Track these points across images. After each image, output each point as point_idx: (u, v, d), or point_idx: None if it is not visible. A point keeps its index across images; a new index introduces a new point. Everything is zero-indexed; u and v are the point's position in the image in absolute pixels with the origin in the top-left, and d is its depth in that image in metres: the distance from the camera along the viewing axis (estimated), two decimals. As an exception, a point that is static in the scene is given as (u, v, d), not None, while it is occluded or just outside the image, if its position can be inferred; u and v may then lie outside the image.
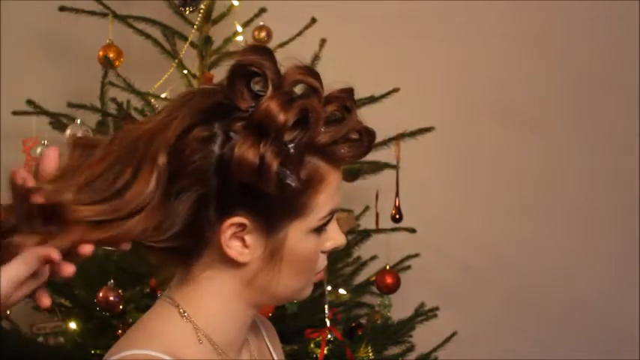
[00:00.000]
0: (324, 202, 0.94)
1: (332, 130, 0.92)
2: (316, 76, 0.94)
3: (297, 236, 0.94)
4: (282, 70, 0.93)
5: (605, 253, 2.73)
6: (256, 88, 0.91)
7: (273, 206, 0.92)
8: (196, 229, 0.92)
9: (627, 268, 2.72)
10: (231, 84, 0.91)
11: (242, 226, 0.92)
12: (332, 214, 0.96)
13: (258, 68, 0.90)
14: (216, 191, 0.90)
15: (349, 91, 0.95)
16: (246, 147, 0.88)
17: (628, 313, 2.71)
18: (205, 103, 0.91)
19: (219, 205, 0.91)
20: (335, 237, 0.99)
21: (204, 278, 0.96)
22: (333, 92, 0.95)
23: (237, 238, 0.93)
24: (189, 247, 0.95)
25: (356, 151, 0.95)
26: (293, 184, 0.90)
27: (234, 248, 0.93)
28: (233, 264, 0.95)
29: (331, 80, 0.97)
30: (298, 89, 0.94)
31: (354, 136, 0.95)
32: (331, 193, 0.95)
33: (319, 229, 0.96)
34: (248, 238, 0.93)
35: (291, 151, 0.89)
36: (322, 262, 1.00)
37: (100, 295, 1.99)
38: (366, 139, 0.95)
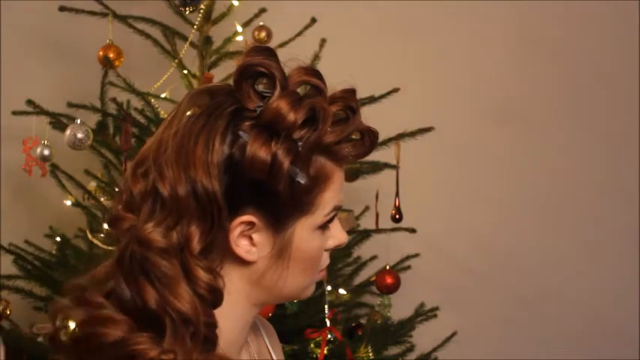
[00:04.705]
0: (329, 198, 0.96)
1: (338, 129, 0.94)
2: (320, 76, 0.95)
3: (303, 234, 0.96)
4: (286, 70, 0.94)
5: (605, 253, 2.72)
6: (260, 88, 0.92)
7: (282, 204, 0.93)
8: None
9: (627, 268, 2.72)
10: (239, 84, 0.93)
11: (250, 224, 0.93)
12: (336, 210, 0.98)
13: (266, 69, 0.92)
14: (226, 190, 0.91)
15: (352, 92, 0.97)
16: (258, 145, 0.90)
17: (628, 313, 2.71)
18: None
19: (228, 203, 0.92)
20: (337, 235, 1.01)
21: None
22: (337, 93, 0.96)
23: (245, 237, 0.94)
24: None
25: (359, 150, 0.97)
26: (302, 182, 0.92)
27: (242, 246, 0.94)
28: (240, 263, 0.96)
29: (331, 80, 0.98)
30: (302, 90, 0.96)
31: (358, 135, 0.97)
32: (336, 190, 0.97)
33: (324, 227, 0.97)
34: (256, 236, 0.94)
35: (300, 149, 0.91)
36: (325, 260, 1.02)
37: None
38: (370, 139, 0.97)
